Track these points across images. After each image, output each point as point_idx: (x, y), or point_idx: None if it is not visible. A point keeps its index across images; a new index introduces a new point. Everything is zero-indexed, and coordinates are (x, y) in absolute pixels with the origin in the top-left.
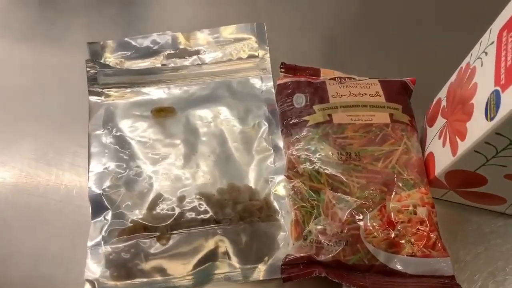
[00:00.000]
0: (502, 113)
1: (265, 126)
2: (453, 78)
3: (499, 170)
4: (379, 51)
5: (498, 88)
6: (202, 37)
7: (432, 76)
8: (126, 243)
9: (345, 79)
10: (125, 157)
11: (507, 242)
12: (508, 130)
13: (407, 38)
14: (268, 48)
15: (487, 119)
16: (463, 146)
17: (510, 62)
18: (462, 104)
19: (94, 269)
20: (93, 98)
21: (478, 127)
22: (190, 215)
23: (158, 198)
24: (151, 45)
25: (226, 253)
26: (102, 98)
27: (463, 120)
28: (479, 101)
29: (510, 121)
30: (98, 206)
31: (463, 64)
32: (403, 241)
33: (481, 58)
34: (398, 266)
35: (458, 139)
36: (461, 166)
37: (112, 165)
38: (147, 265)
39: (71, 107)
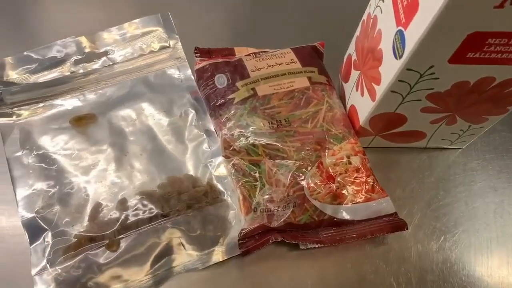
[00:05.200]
0: (408, 48)
1: (192, 113)
2: (357, 32)
3: (415, 105)
4: (284, 21)
5: (400, 27)
6: (108, 36)
7: (337, 36)
8: (75, 259)
9: (259, 53)
10: (52, 173)
11: (434, 172)
12: (417, 64)
13: (309, 4)
14: (178, 36)
15: (396, 58)
16: (380, 89)
17: (405, 2)
18: (371, 52)
19: None
20: (3, 120)
21: (390, 68)
22: (136, 215)
23: (98, 206)
24: (55, 54)
25: (181, 244)
26: (14, 118)
27: (375, 66)
28: (386, 44)
29: (417, 55)
30: (34, 229)
31: (364, 17)
32: (344, 191)
33: (379, 6)
34: (345, 215)
35: (374, 85)
36: (381, 109)
37: (40, 185)
38: (102, 277)
39: None
